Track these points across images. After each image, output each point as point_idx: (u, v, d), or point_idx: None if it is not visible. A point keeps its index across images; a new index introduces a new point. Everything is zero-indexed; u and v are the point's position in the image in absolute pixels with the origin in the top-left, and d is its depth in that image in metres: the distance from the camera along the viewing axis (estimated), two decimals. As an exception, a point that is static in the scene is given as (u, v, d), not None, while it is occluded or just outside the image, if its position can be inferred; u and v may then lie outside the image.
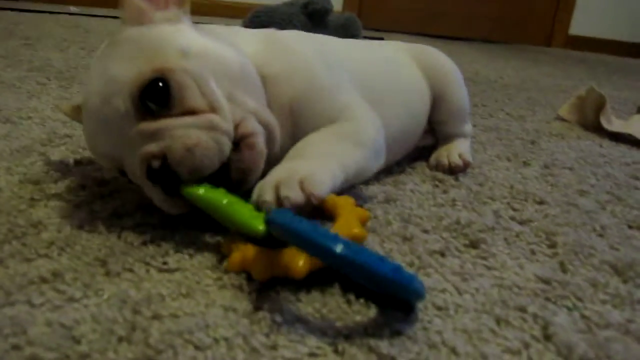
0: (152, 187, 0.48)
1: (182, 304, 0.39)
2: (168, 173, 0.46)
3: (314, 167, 0.49)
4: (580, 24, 3.39)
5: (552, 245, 0.54)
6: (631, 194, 0.72)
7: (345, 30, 1.42)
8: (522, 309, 0.42)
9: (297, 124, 0.57)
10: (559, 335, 0.39)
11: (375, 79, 0.70)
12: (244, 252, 0.43)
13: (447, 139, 0.83)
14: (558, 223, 0.60)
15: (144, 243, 0.47)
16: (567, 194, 0.70)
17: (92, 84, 0.49)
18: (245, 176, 0.49)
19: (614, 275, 0.50)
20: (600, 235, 0.58)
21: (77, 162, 0.64)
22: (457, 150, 0.78)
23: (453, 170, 0.75)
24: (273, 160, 0.51)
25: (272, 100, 0.55)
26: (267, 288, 0.42)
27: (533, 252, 0.53)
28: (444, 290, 0.44)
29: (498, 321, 0.40)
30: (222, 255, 0.46)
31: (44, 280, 0.40)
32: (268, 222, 0.41)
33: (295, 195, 0.44)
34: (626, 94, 1.70)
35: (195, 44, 0.51)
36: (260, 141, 0.50)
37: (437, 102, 0.81)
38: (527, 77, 1.87)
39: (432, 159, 0.79)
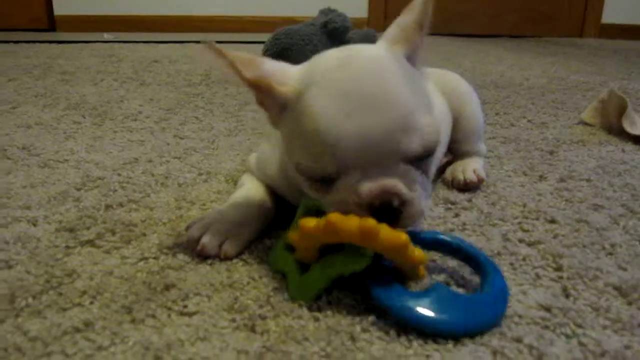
0: (359, 206, 0.48)
1: (199, 348, 0.43)
2: (391, 212, 0.48)
3: None
4: (614, 11, 3.31)
5: (558, 269, 0.56)
6: (647, 205, 0.73)
7: (364, 46, 1.44)
8: (519, 340, 0.44)
9: None
10: (552, 367, 0.41)
11: None
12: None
13: (463, 156, 0.86)
14: (566, 244, 0.61)
15: (167, 287, 0.51)
16: (580, 209, 0.71)
17: (367, 110, 0.47)
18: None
19: (618, 297, 0.51)
20: (610, 254, 0.59)
21: (108, 206, 0.69)
22: (472, 166, 0.81)
23: (467, 186, 0.77)
24: None
25: None
26: (277, 326, 0.45)
27: (538, 277, 0.54)
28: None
29: (494, 353, 0.43)
30: (236, 294, 0.50)
31: (77, 330, 0.45)
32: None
33: None
34: (657, 88, 1.66)
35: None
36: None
37: (456, 123, 0.85)
38: (555, 75, 1.84)
39: (448, 173, 0.82)
